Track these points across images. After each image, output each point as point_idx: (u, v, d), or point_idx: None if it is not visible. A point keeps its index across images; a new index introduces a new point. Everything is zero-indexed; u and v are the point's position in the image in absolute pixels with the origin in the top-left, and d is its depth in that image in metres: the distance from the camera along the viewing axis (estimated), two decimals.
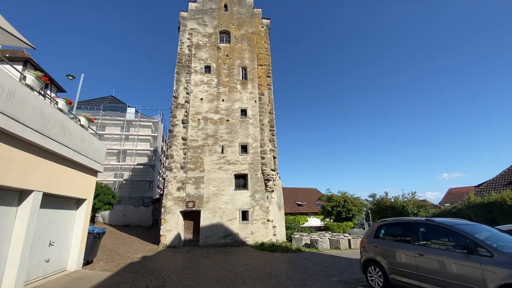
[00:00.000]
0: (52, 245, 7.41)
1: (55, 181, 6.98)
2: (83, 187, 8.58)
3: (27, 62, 14.03)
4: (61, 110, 7.23)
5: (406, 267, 5.17)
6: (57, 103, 7.26)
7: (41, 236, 6.92)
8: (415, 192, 23.89)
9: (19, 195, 6.05)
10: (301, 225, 25.58)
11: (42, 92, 7.24)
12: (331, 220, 24.82)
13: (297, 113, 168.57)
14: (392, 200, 23.92)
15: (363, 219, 29.87)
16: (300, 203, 32.94)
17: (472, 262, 4.10)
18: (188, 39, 18.80)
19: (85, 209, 8.84)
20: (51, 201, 7.31)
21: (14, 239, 5.79)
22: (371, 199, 34.03)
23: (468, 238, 4.36)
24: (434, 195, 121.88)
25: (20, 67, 13.53)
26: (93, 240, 9.42)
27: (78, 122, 8.25)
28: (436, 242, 5.01)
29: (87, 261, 9.24)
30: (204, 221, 15.25)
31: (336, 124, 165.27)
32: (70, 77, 8.82)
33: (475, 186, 25.18)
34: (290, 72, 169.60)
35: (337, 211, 23.72)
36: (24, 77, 5.89)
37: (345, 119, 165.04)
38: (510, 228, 6.51)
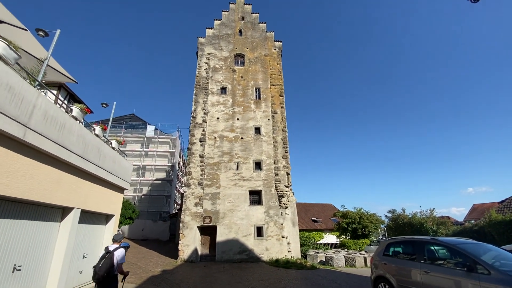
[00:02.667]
0: (85, 257, 8.17)
1: (90, 199, 7.84)
2: (112, 203, 9.42)
3: (60, 88, 15.62)
4: (97, 135, 8.22)
5: (413, 284, 5.41)
6: (94, 129, 8.26)
7: (77, 249, 7.69)
8: (433, 208, 23.20)
9: (61, 212, 6.90)
10: (317, 242, 25.29)
11: (84, 122, 8.30)
12: (347, 237, 24.41)
13: (315, 128, 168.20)
14: (410, 217, 23.30)
15: (382, 236, 29.04)
16: (316, 219, 32.57)
17: (472, 279, 4.36)
18: (205, 63, 20.14)
19: (113, 224, 9.63)
20: (86, 217, 8.13)
21: (57, 251, 6.59)
22: (390, 215, 32.80)
23: (468, 257, 4.63)
24: (459, 211, 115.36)
25: (54, 92, 15.12)
26: None
27: (110, 145, 9.22)
28: (440, 260, 5.26)
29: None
30: (220, 236, 15.70)
31: (355, 138, 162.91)
32: (104, 105, 9.95)
33: (498, 202, 24.16)
34: (306, 85, 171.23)
35: (353, 228, 23.36)
36: (71, 110, 6.90)
37: (365, 133, 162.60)
38: None
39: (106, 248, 5.11)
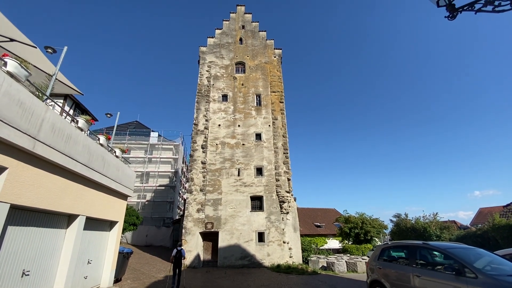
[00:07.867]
0: (90, 263, 8.41)
1: (95, 206, 8.13)
2: (116, 210, 9.71)
3: (67, 97, 16.11)
4: (101, 145, 8.55)
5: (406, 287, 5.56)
6: (99, 139, 8.61)
7: (82, 255, 7.95)
8: (436, 213, 22.99)
9: (67, 219, 7.19)
10: (320, 247, 25.18)
11: (89, 132, 8.67)
12: (350, 242, 24.32)
13: (318, 132, 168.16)
14: (413, 221, 23.16)
15: (386, 241, 28.82)
16: (319, 224, 32.44)
17: (460, 283, 4.50)
18: (207, 71, 20.61)
19: (117, 231, 9.90)
20: (91, 223, 8.41)
21: (63, 257, 6.85)
22: (395, 219, 32.50)
23: (457, 261, 4.79)
24: (466, 215, 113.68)
25: (61, 101, 15.59)
26: (123, 260, 10.37)
27: (114, 154, 9.55)
28: (431, 264, 5.42)
29: (117, 279, 10.13)
30: (222, 242, 15.87)
31: (359, 142, 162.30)
32: (109, 115, 10.33)
33: (503, 206, 23.93)
34: (309, 89, 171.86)
35: (355, 233, 23.28)
36: (77, 122, 7.25)
37: (370, 137, 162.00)
38: (508, 253, 6.64)
39: (177, 248, 9.87)
